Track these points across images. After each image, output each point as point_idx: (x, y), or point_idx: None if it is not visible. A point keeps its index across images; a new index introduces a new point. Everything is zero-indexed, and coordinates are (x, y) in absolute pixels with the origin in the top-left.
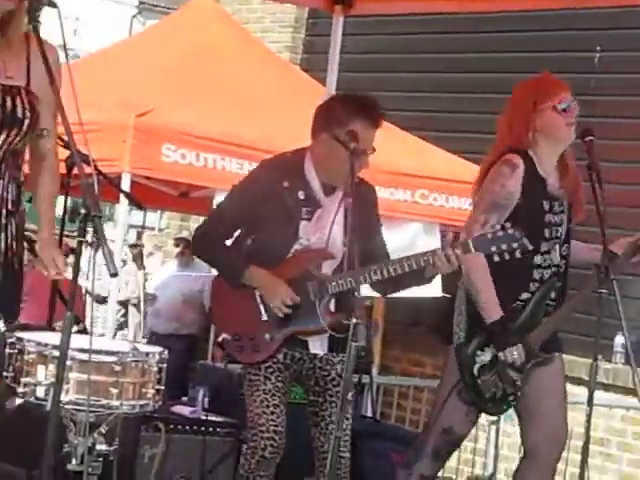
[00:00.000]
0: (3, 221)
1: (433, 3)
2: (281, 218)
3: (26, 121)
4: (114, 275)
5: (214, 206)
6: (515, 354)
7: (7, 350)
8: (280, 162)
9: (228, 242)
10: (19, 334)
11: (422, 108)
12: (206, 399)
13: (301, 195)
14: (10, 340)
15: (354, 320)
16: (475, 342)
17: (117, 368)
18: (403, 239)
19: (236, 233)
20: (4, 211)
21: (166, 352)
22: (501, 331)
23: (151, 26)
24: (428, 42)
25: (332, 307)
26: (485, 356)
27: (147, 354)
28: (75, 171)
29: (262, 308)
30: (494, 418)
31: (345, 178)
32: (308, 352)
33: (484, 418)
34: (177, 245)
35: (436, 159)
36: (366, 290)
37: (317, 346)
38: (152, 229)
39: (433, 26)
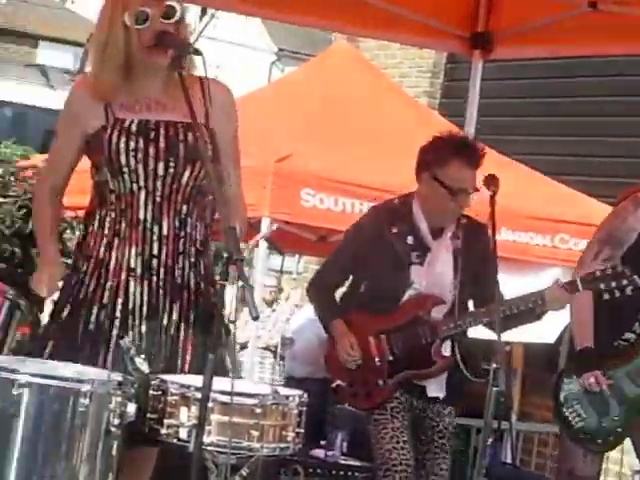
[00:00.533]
0: (192, 260)
1: (577, 47)
2: (392, 264)
3: (207, 155)
4: (256, 318)
5: None
6: (592, 380)
7: (151, 392)
8: (388, 208)
9: (343, 288)
10: (162, 376)
11: (559, 152)
12: (344, 443)
13: (410, 240)
14: (154, 382)
15: (494, 365)
16: (564, 371)
17: (258, 410)
18: (542, 283)
19: (348, 280)
20: (193, 250)
21: (306, 395)
22: (583, 357)
23: (291, 72)
24: (567, 86)
25: (444, 350)
26: (571, 385)
27: (287, 397)
28: (217, 215)
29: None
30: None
31: (450, 218)
32: (424, 398)
33: (628, 467)
34: None
35: (576, 203)
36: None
37: (434, 389)
38: (290, 273)
39: (573, 70)
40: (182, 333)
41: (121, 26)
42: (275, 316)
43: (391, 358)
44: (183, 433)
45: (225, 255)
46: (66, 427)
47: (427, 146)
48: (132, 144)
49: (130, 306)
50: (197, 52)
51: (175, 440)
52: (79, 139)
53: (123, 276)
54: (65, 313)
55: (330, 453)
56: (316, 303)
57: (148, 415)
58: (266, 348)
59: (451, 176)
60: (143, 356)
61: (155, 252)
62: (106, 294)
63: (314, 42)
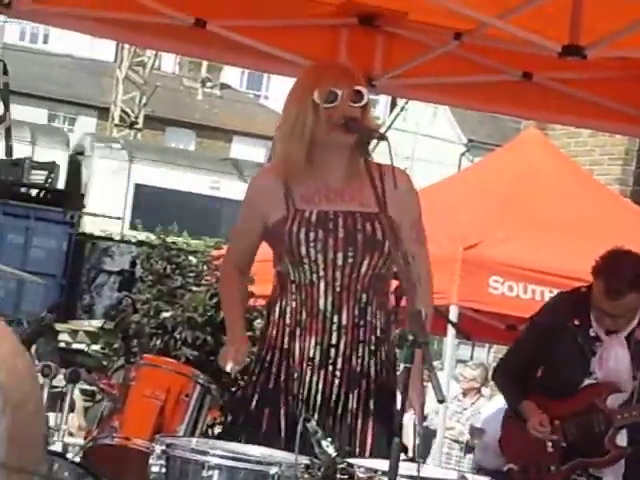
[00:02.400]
0: (372, 347)
1: None
2: (573, 353)
3: (386, 244)
4: (441, 401)
5: None
6: None
7: (338, 476)
8: (573, 298)
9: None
10: (349, 460)
11: None
12: None
13: (592, 332)
14: (341, 466)
15: None
16: None
17: None
18: None
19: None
20: (373, 338)
21: None
22: None
23: (480, 160)
24: None
25: (620, 440)
26: None
27: None
28: (403, 302)
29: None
30: None
31: (612, 327)
32: None
33: None
34: None
35: None
36: None
37: None
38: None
39: None
40: (360, 421)
41: (310, 104)
42: (471, 410)
43: (564, 444)
44: None
45: (410, 338)
46: None
47: (603, 257)
48: (312, 235)
49: (305, 395)
50: (382, 137)
51: None
52: (260, 225)
53: (304, 366)
54: (253, 403)
55: None
56: (503, 388)
57: None
58: (455, 441)
59: (596, 298)
60: (330, 439)
61: (334, 342)
62: (295, 384)
63: (503, 132)
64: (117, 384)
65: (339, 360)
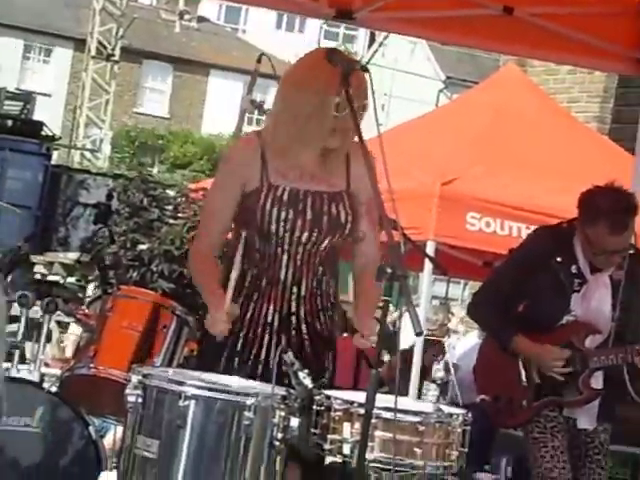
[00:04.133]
0: (330, 313)
1: None
2: (554, 290)
3: (348, 225)
4: (419, 334)
5: None
6: None
7: (315, 407)
8: (554, 233)
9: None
10: (326, 392)
11: None
12: (509, 468)
13: (574, 269)
14: (317, 397)
15: None
16: None
17: (421, 428)
18: None
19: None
20: (329, 304)
21: (470, 414)
22: None
23: (458, 96)
24: None
25: (594, 382)
26: None
27: (451, 415)
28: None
29: (523, 374)
30: None
31: (604, 266)
32: (574, 431)
33: None
34: None
35: None
36: None
37: (585, 421)
38: (455, 300)
39: None
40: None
41: (324, 106)
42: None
43: (538, 381)
44: (346, 449)
45: (389, 271)
46: (231, 439)
47: (583, 196)
48: (283, 214)
49: (262, 356)
50: (364, 69)
51: (338, 456)
52: (239, 192)
53: (258, 330)
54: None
55: (494, 477)
56: (485, 323)
57: (311, 430)
58: (432, 381)
59: (599, 239)
60: (307, 371)
61: (293, 310)
62: (239, 342)
63: (482, 69)
64: (94, 314)
65: (303, 326)
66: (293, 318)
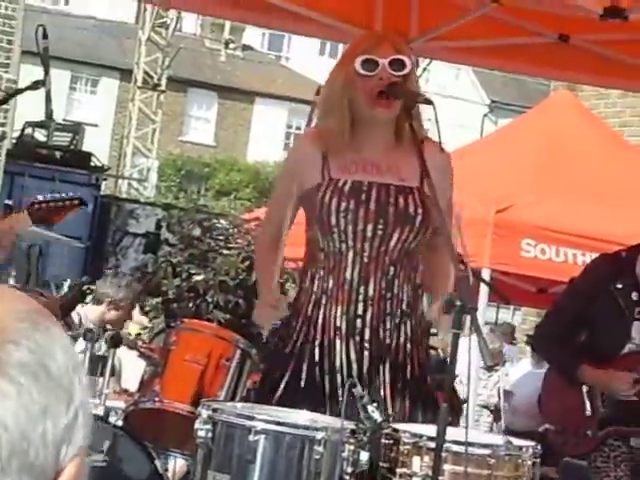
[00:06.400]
0: (397, 320)
1: None
2: (614, 317)
3: (418, 218)
4: (490, 367)
5: None
6: None
7: (383, 441)
8: (614, 260)
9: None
10: (395, 425)
11: None
12: None
13: (634, 296)
14: (386, 431)
15: None
16: None
17: (492, 461)
18: None
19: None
20: (399, 311)
21: (539, 447)
22: None
23: (509, 122)
24: None
25: None
26: None
27: (521, 448)
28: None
29: (587, 404)
30: None
31: None
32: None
33: None
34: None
35: None
36: None
37: None
38: (494, 337)
39: None
40: (388, 392)
41: (351, 73)
42: (497, 374)
43: (603, 410)
44: None
45: (458, 304)
46: (300, 474)
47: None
48: (343, 205)
49: (337, 364)
50: (428, 101)
51: None
52: (297, 192)
53: (331, 335)
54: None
55: None
56: (549, 354)
57: (380, 464)
58: (484, 407)
59: None
60: (375, 404)
61: (360, 312)
62: (316, 351)
63: (527, 94)
64: (158, 348)
65: (366, 331)
66: (358, 321)
